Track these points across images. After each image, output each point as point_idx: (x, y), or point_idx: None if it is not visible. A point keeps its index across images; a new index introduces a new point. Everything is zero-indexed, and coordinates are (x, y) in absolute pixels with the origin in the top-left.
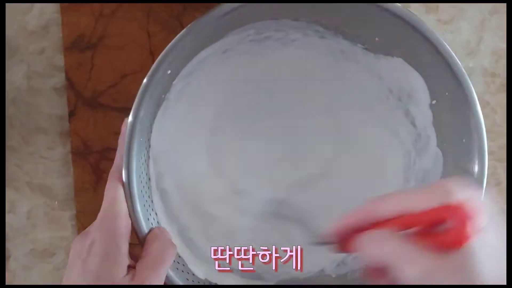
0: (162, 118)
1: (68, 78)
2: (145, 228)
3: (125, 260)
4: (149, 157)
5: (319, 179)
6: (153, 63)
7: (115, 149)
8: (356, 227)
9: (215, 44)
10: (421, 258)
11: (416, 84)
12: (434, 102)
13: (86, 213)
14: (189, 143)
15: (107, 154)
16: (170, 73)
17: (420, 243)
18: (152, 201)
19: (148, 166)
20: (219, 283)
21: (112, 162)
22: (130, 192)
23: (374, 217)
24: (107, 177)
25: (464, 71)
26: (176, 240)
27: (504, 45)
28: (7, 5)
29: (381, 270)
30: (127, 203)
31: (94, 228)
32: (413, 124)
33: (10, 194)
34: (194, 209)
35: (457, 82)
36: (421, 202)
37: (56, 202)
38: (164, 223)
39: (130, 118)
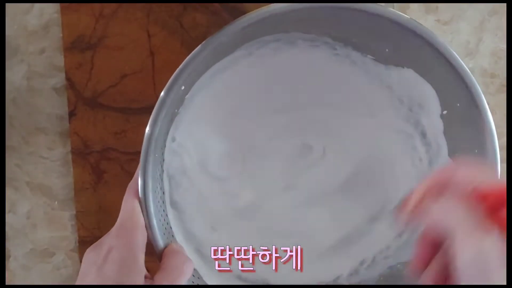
0: (175, 132)
1: (68, 78)
2: (161, 242)
3: (143, 269)
4: (163, 171)
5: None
6: (153, 63)
7: (115, 149)
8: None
9: (226, 57)
10: (483, 236)
11: (427, 94)
12: (445, 112)
13: (86, 213)
14: (199, 155)
15: (107, 154)
16: (184, 89)
17: (485, 221)
18: (167, 215)
19: (162, 180)
20: None
21: (112, 162)
22: (146, 208)
23: (449, 182)
24: (108, 177)
25: (476, 83)
26: (191, 254)
27: (503, 46)
28: (7, 5)
29: (432, 247)
30: (143, 218)
31: (111, 237)
32: (424, 133)
33: (10, 194)
34: (208, 222)
35: (469, 94)
36: (489, 178)
37: (56, 202)
38: (180, 237)
39: (147, 133)
